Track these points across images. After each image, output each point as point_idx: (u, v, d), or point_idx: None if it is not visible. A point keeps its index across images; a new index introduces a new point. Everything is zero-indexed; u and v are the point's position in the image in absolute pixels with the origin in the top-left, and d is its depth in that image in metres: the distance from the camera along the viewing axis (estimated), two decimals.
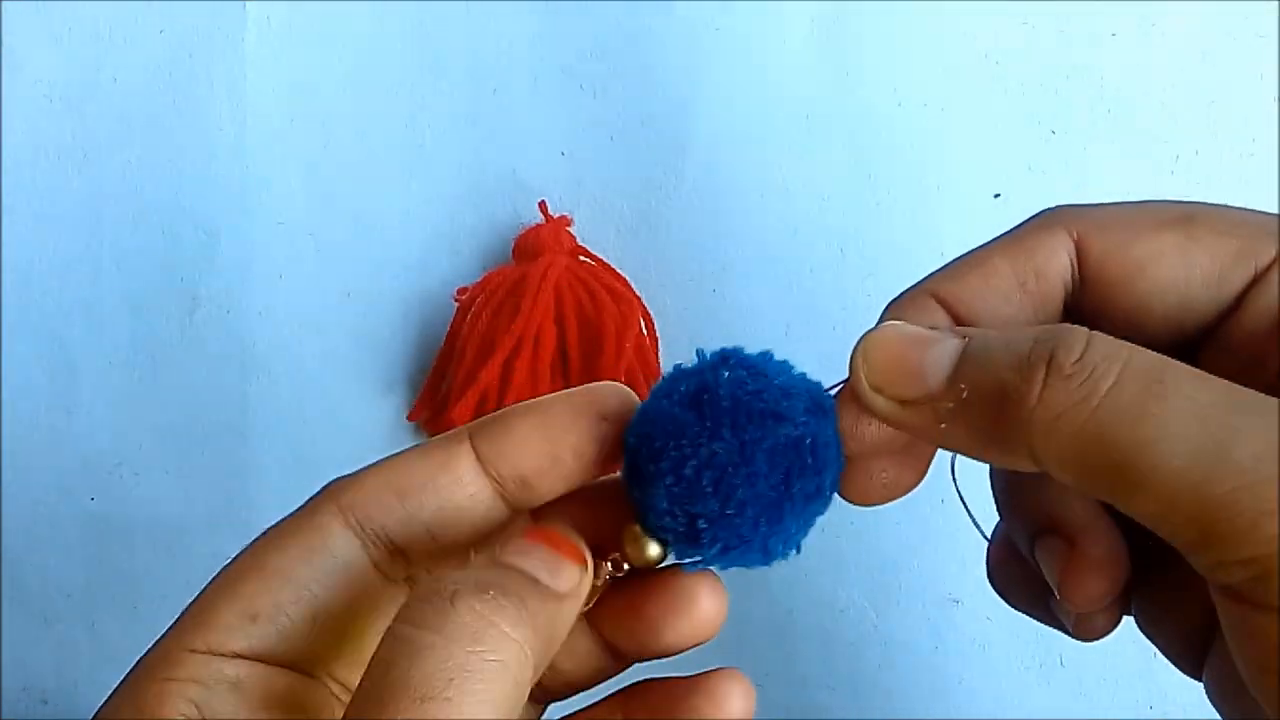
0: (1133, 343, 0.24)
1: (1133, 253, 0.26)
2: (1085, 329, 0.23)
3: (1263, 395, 0.22)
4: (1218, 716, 0.28)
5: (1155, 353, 0.23)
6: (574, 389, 0.27)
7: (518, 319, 0.50)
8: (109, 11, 0.53)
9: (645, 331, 0.51)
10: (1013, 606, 0.30)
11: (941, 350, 0.24)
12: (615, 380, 0.49)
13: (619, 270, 0.52)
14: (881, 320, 0.27)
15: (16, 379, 0.56)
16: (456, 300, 0.52)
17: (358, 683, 0.22)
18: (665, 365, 0.52)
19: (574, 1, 0.51)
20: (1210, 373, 0.24)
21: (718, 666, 0.28)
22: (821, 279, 0.52)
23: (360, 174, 0.54)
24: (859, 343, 0.25)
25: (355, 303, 0.55)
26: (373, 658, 0.22)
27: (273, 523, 0.29)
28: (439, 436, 0.27)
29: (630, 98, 0.52)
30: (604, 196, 0.53)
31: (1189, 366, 0.22)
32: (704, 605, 0.27)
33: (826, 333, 0.51)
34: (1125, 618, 0.29)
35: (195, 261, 0.55)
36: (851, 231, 0.51)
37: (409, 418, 0.54)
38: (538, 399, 0.27)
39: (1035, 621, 0.31)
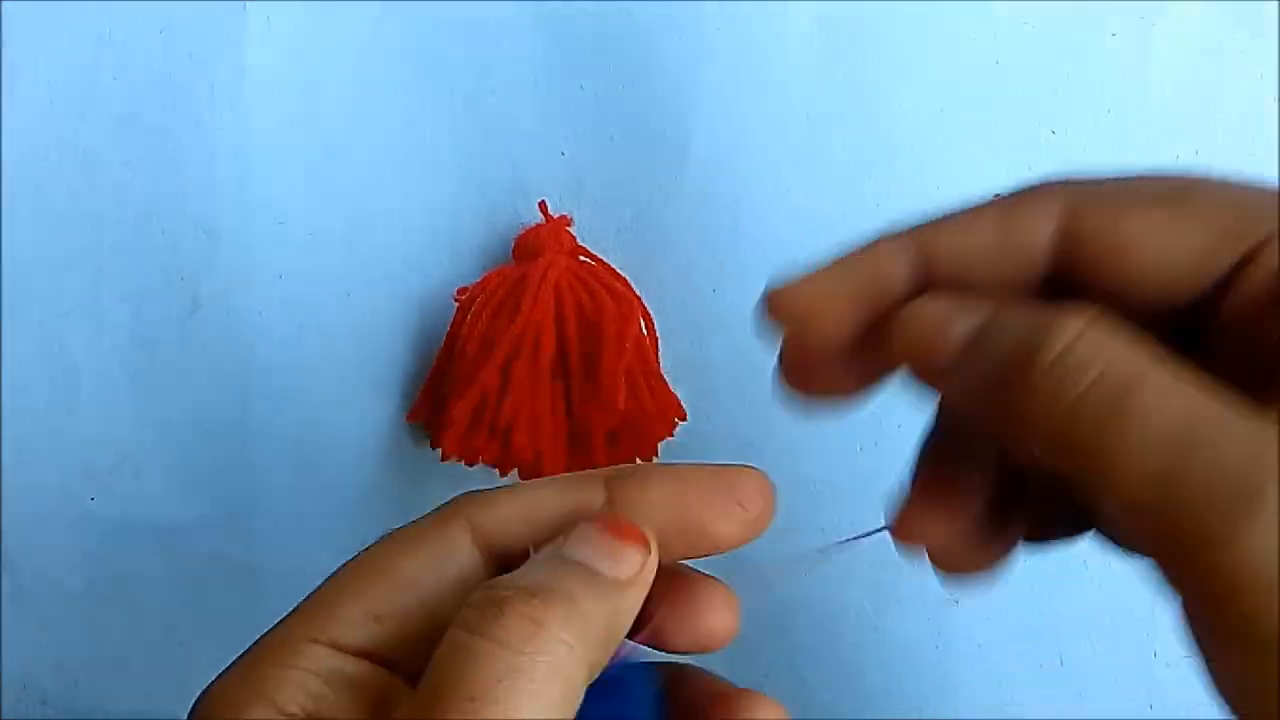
0: (1124, 316, 0.24)
1: (1120, 231, 0.26)
2: (1084, 317, 0.23)
3: (1239, 408, 0.22)
4: (1218, 718, 0.28)
5: (1142, 355, 0.23)
6: (717, 468, 0.28)
7: (518, 319, 0.50)
8: (109, 11, 0.53)
9: (645, 331, 0.51)
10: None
11: (957, 328, 0.25)
12: (616, 377, 0.49)
13: (619, 270, 0.52)
14: (865, 250, 0.28)
15: (16, 379, 0.56)
16: (456, 300, 0.52)
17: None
18: (665, 365, 0.52)
19: (574, 2, 0.51)
20: (1208, 346, 0.25)
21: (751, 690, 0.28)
22: None
23: (360, 174, 0.54)
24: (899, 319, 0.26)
25: (355, 303, 0.55)
26: (430, 662, 0.23)
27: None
28: (576, 475, 0.28)
29: (630, 98, 0.52)
30: (604, 196, 0.53)
31: (1172, 371, 0.23)
32: (714, 616, 0.28)
33: None
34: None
35: (195, 261, 0.55)
36: (851, 232, 0.51)
37: (409, 418, 0.54)
38: (677, 466, 0.28)
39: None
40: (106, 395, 0.56)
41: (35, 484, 0.57)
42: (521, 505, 0.28)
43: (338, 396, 0.55)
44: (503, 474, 0.53)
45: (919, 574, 0.29)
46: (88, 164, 0.54)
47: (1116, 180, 0.27)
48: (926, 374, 0.26)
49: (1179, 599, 0.23)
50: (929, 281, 0.27)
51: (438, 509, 0.28)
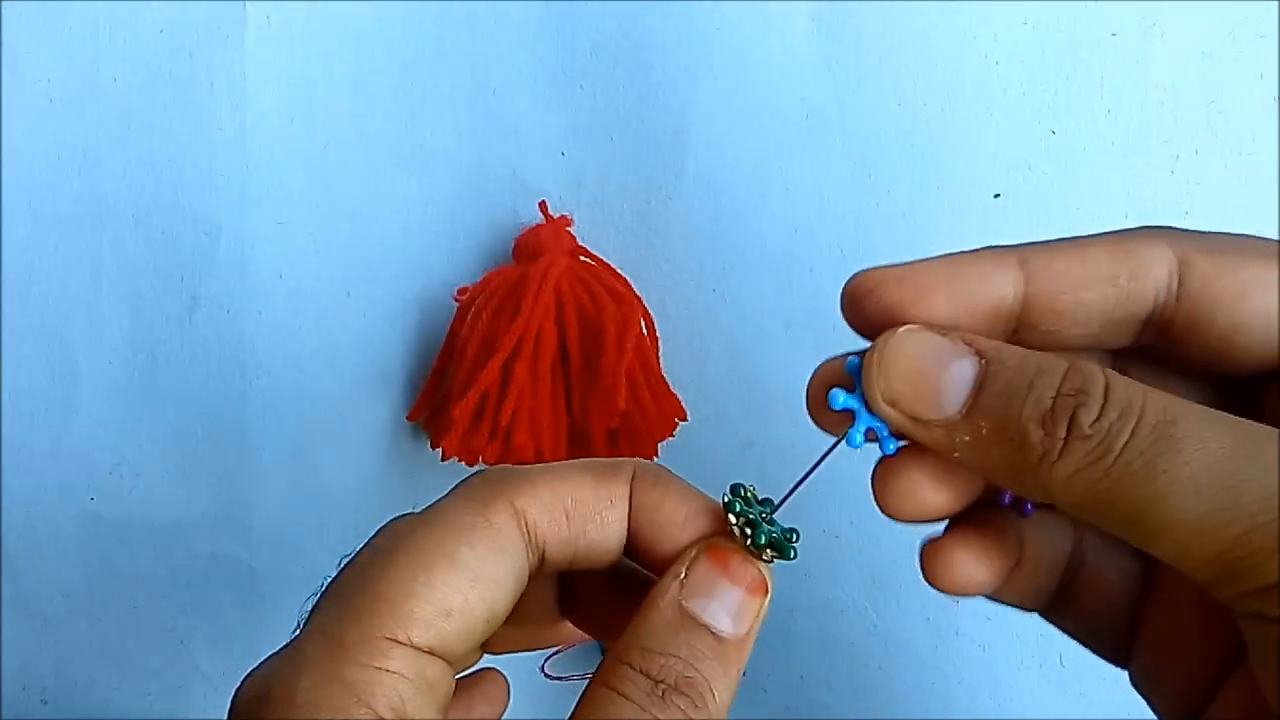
0: (1220, 364, 0.25)
1: (1238, 277, 0.26)
2: (1103, 373, 0.24)
3: (1269, 431, 0.23)
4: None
5: (1168, 396, 0.23)
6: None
7: (518, 319, 0.50)
8: (109, 11, 0.53)
9: (645, 331, 0.51)
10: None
11: (959, 372, 0.25)
12: (616, 377, 0.49)
13: (619, 270, 0.52)
14: (971, 260, 0.26)
15: (16, 379, 0.56)
16: (456, 300, 0.52)
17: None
18: (665, 365, 0.52)
19: (574, 1, 0.51)
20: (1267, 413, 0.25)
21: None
22: (821, 279, 0.52)
23: (360, 174, 0.54)
24: (875, 347, 0.25)
25: (355, 303, 0.55)
26: (585, 713, 0.26)
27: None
28: (605, 465, 0.29)
29: (630, 98, 0.52)
30: (604, 196, 0.53)
31: (1201, 408, 0.23)
32: None
33: (827, 332, 0.51)
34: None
35: (195, 261, 0.55)
36: (851, 231, 0.51)
37: (409, 418, 0.54)
38: (693, 496, 0.29)
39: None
40: (106, 395, 0.56)
41: (35, 484, 0.57)
42: (561, 495, 0.28)
43: (338, 396, 0.55)
44: None
45: (919, 574, 0.29)
46: (88, 164, 0.54)
47: (1222, 235, 0.27)
48: (920, 418, 0.25)
49: (1238, 614, 0.23)
50: (1026, 306, 0.26)
51: (470, 486, 0.28)
